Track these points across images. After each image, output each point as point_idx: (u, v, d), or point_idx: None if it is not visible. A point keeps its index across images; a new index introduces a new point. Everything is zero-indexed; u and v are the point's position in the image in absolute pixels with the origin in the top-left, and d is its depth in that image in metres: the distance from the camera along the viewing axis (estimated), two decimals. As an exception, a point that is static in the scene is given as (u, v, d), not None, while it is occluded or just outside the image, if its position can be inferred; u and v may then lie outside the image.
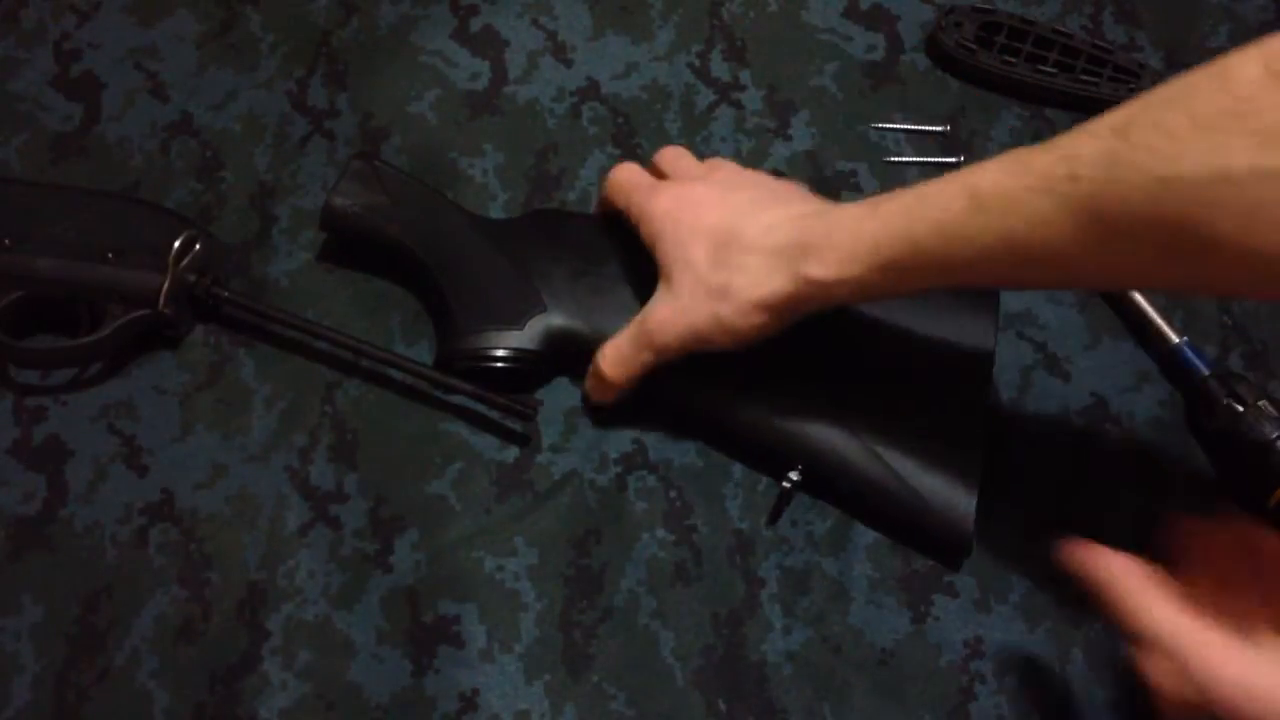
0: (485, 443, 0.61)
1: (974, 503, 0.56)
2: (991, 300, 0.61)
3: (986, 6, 0.73)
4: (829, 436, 0.57)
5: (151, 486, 0.59)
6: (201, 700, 0.54)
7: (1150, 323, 0.63)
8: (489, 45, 0.72)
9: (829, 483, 0.58)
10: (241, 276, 0.64)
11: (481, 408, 0.61)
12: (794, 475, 0.57)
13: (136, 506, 0.59)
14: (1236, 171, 0.40)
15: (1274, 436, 0.57)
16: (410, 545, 0.58)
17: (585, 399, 0.61)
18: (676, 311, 0.56)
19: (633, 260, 0.60)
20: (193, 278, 0.61)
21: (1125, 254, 0.44)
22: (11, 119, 0.69)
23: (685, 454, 0.61)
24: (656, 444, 0.61)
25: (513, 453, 0.60)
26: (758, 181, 0.60)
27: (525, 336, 0.59)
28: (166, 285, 0.59)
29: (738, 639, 0.56)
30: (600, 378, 0.59)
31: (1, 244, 0.59)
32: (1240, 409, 0.58)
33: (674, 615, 0.57)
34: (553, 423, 0.61)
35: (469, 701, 0.54)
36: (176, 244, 0.60)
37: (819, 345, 0.58)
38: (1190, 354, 0.62)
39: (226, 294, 0.61)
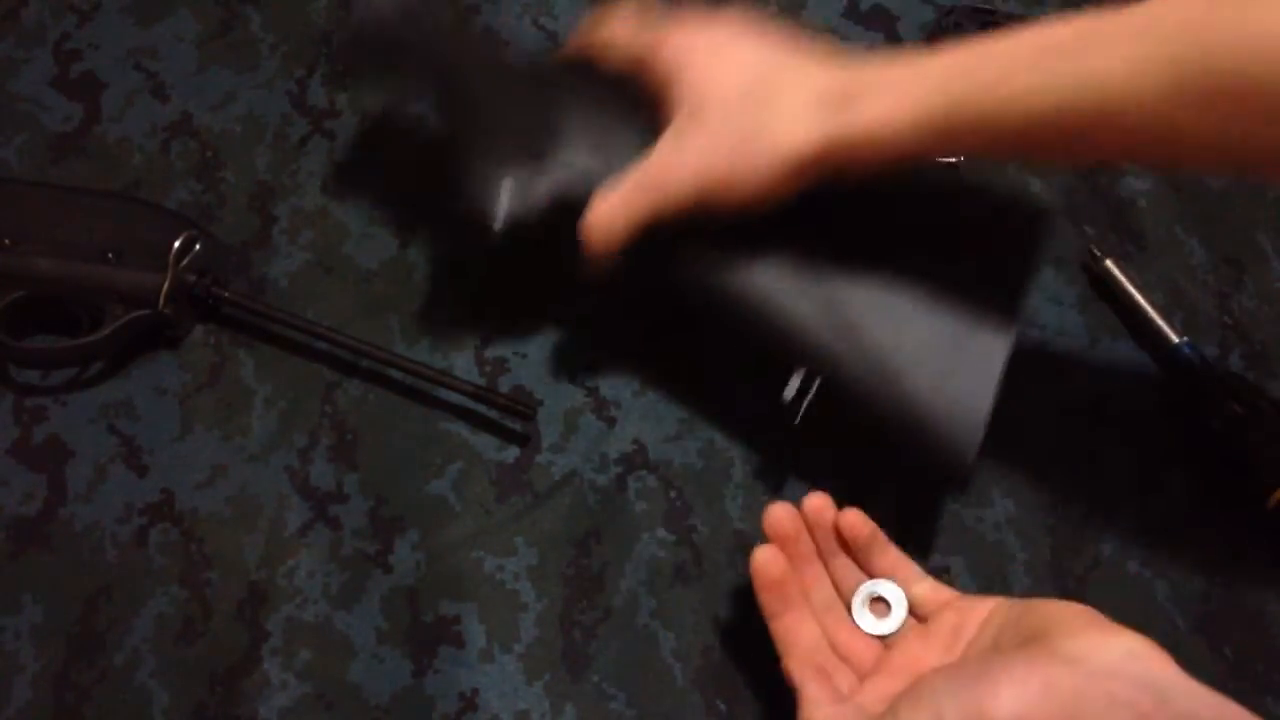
0: (485, 443, 0.61)
1: (980, 429, 0.52)
2: (1039, 220, 0.56)
3: (986, 7, 0.73)
4: (829, 332, 0.53)
5: (151, 486, 0.59)
6: (201, 700, 0.54)
7: (1150, 323, 0.63)
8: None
9: (825, 385, 0.53)
10: (241, 276, 0.64)
11: (481, 408, 0.61)
12: (794, 380, 0.53)
13: (136, 506, 0.59)
14: None
15: (1274, 437, 0.57)
16: (410, 545, 0.58)
17: (581, 271, 0.55)
18: (692, 152, 0.50)
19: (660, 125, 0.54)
20: (193, 278, 0.61)
21: (1213, 120, 0.41)
22: (11, 119, 0.69)
23: (685, 454, 0.61)
24: (656, 444, 0.61)
25: (513, 453, 0.60)
26: (782, 30, 0.54)
27: (537, 192, 0.55)
28: (166, 285, 0.59)
29: (737, 639, 0.56)
30: (592, 227, 0.53)
31: (1, 244, 0.59)
32: (1240, 409, 0.58)
33: (674, 615, 0.57)
34: (553, 423, 0.61)
35: (469, 701, 0.54)
36: (176, 244, 0.60)
37: (837, 234, 0.53)
38: (1190, 354, 0.62)
39: (226, 294, 0.61)
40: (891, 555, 0.52)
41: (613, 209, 0.52)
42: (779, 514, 0.51)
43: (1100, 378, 0.63)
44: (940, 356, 0.52)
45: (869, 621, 0.51)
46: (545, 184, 0.55)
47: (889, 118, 0.46)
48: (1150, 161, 0.59)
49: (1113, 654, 0.42)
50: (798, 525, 0.52)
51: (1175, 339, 0.62)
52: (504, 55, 0.58)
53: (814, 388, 0.53)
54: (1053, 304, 0.65)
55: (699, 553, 0.58)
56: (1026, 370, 0.63)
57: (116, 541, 0.58)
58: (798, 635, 0.50)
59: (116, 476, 0.59)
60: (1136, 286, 0.64)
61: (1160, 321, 0.63)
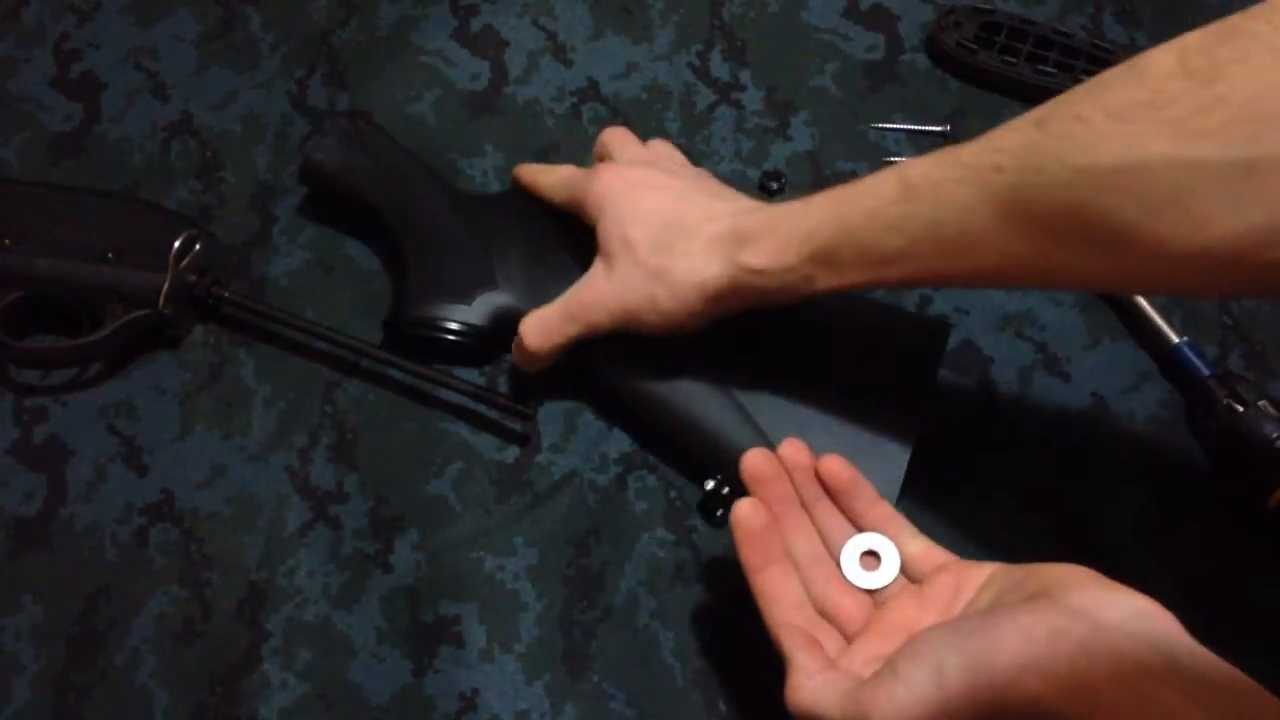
0: (485, 443, 0.61)
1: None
2: (938, 334, 0.61)
3: (986, 6, 0.73)
4: (742, 440, 0.56)
5: (151, 486, 0.59)
6: (201, 700, 0.54)
7: (1150, 323, 0.63)
8: (489, 45, 0.72)
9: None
10: (241, 276, 0.64)
11: (481, 408, 0.61)
12: (710, 483, 0.57)
13: (136, 506, 0.59)
14: (1148, 161, 0.41)
15: (1274, 436, 0.57)
16: (410, 545, 0.58)
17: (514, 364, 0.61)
18: (612, 289, 0.56)
19: (593, 252, 0.60)
20: (193, 278, 0.61)
21: (1042, 245, 0.45)
22: (11, 119, 0.69)
23: (685, 454, 0.61)
24: (656, 444, 0.61)
25: (513, 453, 0.60)
26: (700, 173, 0.61)
27: (472, 312, 0.60)
28: (166, 285, 0.60)
29: (737, 639, 0.56)
30: (521, 347, 0.59)
31: (1, 244, 0.59)
32: (1240, 409, 0.58)
33: (674, 615, 0.57)
34: (553, 423, 0.61)
35: (469, 701, 0.54)
36: (176, 244, 0.60)
37: (748, 350, 0.58)
38: (1190, 354, 0.62)
39: (226, 294, 0.61)
40: (882, 510, 0.51)
41: (539, 331, 0.58)
42: (755, 458, 0.52)
43: (1100, 378, 0.63)
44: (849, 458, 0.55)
45: (859, 575, 0.50)
46: (488, 301, 0.60)
47: (777, 255, 0.52)
48: (1001, 285, 0.63)
49: (1122, 611, 0.41)
50: (776, 468, 0.52)
51: (1175, 339, 0.62)
52: (447, 190, 0.64)
53: (731, 487, 0.56)
54: (1053, 304, 0.65)
55: (699, 553, 0.58)
56: (1027, 370, 0.63)
57: (116, 541, 0.58)
58: (780, 591, 0.49)
59: (116, 476, 0.59)
60: (1136, 286, 0.64)
61: (1160, 321, 0.63)
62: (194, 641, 0.56)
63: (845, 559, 0.50)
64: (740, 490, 0.56)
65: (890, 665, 0.43)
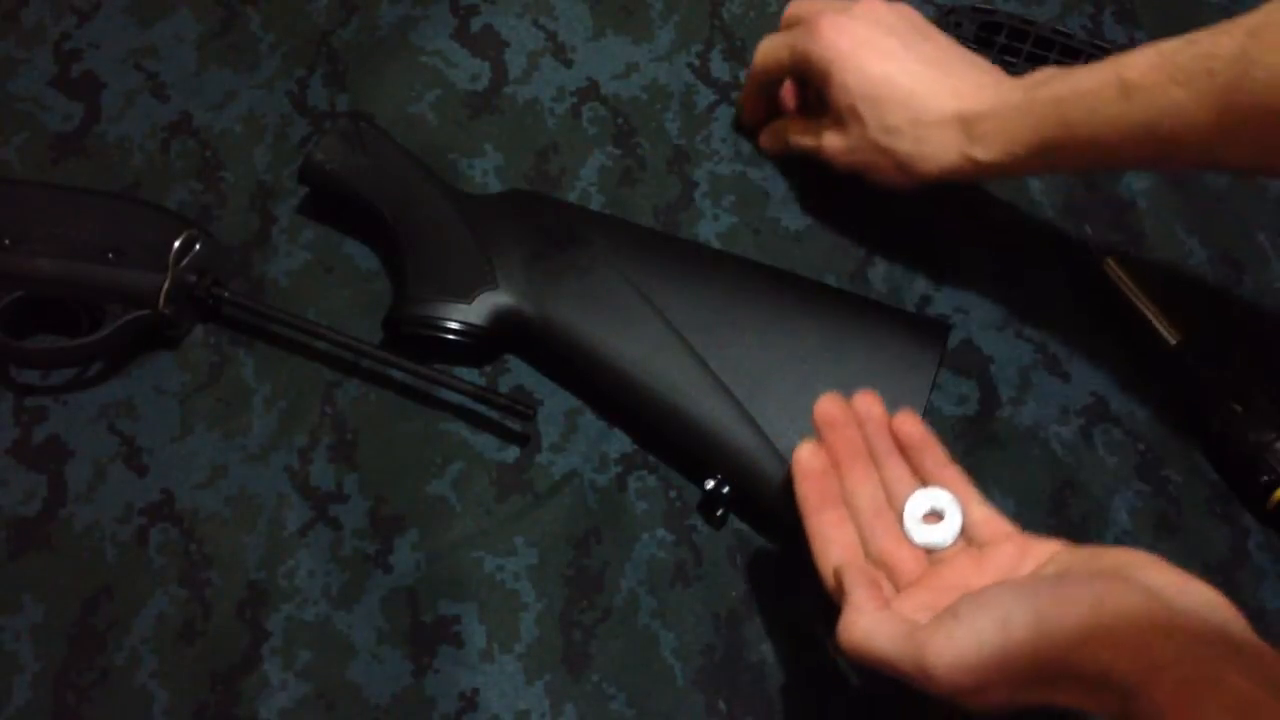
0: (485, 443, 0.61)
1: None
2: (938, 334, 0.61)
3: (986, 6, 0.73)
4: (740, 437, 0.57)
5: (151, 486, 0.59)
6: (202, 700, 0.54)
7: (1150, 323, 0.63)
8: (489, 45, 0.72)
9: (740, 486, 0.57)
10: (241, 276, 0.64)
11: (481, 408, 0.61)
12: (710, 483, 0.57)
13: (136, 506, 0.59)
14: None
15: (1273, 436, 0.57)
16: (410, 545, 0.58)
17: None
18: (845, 151, 0.62)
19: (595, 251, 0.61)
20: (193, 278, 0.61)
21: (1254, 138, 0.50)
22: (11, 119, 0.69)
23: (685, 454, 0.61)
24: (656, 444, 0.61)
25: (513, 453, 0.60)
26: (916, 24, 0.62)
27: (472, 311, 0.60)
28: (166, 285, 0.59)
29: (737, 639, 0.56)
30: (772, 135, 0.68)
31: (1, 244, 0.59)
32: (1240, 409, 0.58)
33: (674, 615, 0.57)
34: (553, 423, 0.61)
35: (469, 701, 0.54)
36: (176, 244, 0.60)
37: (749, 349, 0.59)
38: (1190, 354, 0.62)
39: (226, 294, 0.61)
40: (951, 472, 0.51)
41: (797, 129, 0.66)
42: (828, 402, 0.52)
43: (1100, 378, 0.63)
44: None
45: (920, 530, 0.49)
46: (488, 301, 0.61)
47: (1005, 149, 0.57)
48: (1212, 168, 0.68)
49: (1196, 596, 0.42)
50: (847, 415, 0.52)
51: (1175, 339, 0.62)
52: (447, 191, 0.64)
53: (729, 488, 0.57)
54: (1053, 304, 0.65)
55: (699, 553, 0.58)
56: (1027, 370, 0.63)
57: (116, 541, 0.58)
58: (835, 534, 0.49)
59: (116, 476, 0.59)
60: (1137, 286, 0.64)
61: (1160, 321, 0.63)
62: (194, 641, 0.56)
63: (908, 513, 0.50)
64: (739, 491, 0.56)
65: (952, 610, 0.42)
